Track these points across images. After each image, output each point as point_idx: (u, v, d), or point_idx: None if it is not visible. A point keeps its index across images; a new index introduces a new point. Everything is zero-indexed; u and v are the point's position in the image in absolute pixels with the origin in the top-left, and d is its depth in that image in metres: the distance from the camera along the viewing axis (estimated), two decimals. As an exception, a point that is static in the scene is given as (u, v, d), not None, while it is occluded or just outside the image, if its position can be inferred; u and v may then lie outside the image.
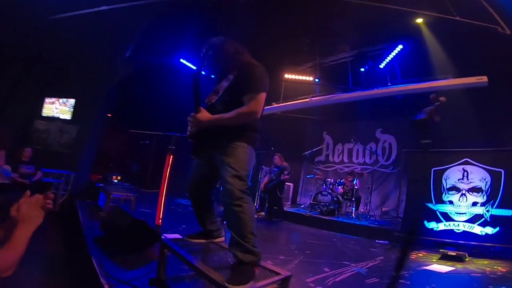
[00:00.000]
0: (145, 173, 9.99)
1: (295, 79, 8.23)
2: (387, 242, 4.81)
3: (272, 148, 9.01)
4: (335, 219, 6.14)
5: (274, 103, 8.30)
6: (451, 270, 3.29)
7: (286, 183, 7.52)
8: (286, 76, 8.24)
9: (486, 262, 3.68)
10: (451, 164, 4.56)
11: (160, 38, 7.07)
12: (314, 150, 8.36)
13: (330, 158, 8.91)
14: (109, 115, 8.83)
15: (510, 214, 3.99)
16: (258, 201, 8.02)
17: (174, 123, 8.43)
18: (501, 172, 4.15)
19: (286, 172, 6.84)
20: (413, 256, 4.00)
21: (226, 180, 1.76)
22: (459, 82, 4.91)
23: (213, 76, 2.27)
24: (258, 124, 1.99)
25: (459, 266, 3.49)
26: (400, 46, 5.98)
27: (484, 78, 4.64)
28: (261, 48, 7.05)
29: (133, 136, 10.33)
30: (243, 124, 1.91)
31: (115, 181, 9.20)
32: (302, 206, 7.72)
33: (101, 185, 6.52)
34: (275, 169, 7.03)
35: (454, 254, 3.80)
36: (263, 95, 1.90)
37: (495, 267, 3.47)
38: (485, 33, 4.38)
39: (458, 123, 4.82)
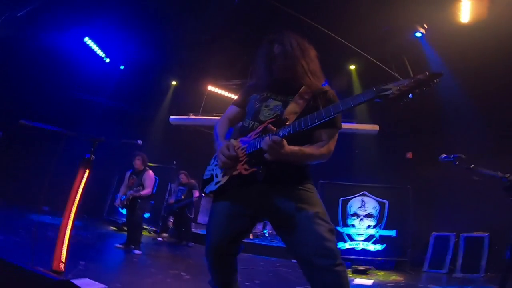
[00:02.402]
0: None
1: (218, 93, 8.02)
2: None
3: (175, 162, 8.34)
4: (251, 241, 6.26)
5: (191, 114, 7.81)
6: (374, 283, 4.09)
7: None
8: (210, 87, 7.96)
9: (383, 273, 4.78)
10: (353, 195, 5.73)
11: (66, 4, 5.37)
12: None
13: (235, 179, 9.10)
14: None
15: (391, 234, 5.42)
16: (160, 221, 7.16)
17: (67, 119, 6.42)
18: (385, 202, 5.60)
19: (195, 191, 6.46)
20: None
21: (323, 236, 1.35)
22: (358, 127, 6.34)
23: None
24: None
25: (373, 278, 4.37)
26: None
27: (376, 127, 6.22)
28: (191, 46, 6.67)
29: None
30: (307, 166, 1.57)
31: None
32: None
33: None
34: (182, 188, 6.46)
35: (363, 268, 4.73)
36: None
37: (392, 277, 4.57)
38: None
39: (360, 163, 6.22)
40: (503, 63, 4.85)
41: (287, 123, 1.43)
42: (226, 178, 1.52)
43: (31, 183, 6.89)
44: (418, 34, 5.44)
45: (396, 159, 6.72)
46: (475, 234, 4.73)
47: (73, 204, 2.71)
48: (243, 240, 1.60)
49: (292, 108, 1.51)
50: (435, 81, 1.17)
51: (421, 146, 6.35)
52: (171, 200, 6.67)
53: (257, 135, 1.49)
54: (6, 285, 1.60)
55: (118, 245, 4.66)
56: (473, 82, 5.41)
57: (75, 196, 2.73)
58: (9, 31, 5.22)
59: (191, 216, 6.45)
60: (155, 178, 5.42)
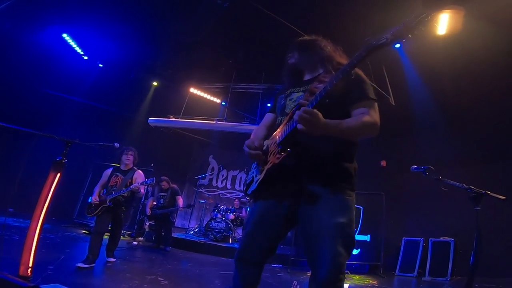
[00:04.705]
0: None
1: (201, 96, 7.96)
2: (281, 265, 5.48)
3: (152, 165, 8.18)
4: (230, 245, 6.24)
5: (172, 117, 7.69)
6: (349, 286, 4.22)
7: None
8: (192, 90, 7.87)
9: (358, 277, 4.94)
10: (330, 200, 5.89)
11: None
12: (207, 175, 8.28)
13: (214, 183, 9.05)
14: None
15: (365, 239, 5.63)
16: (135, 224, 6.95)
17: (38, 118, 6.08)
18: (361, 208, 5.81)
19: (179, 198, 6.37)
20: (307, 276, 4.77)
21: (336, 249, 1.31)
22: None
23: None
24: None
25: (348, 282, 4.50)
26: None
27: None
28: (175, 47, 6.59)
29: None
30: (352, 163, 1.51)
31: None
32: (192, 232, 7.31)
33: None
34: (164, 194, 6.32)
35: (338, 272, 4.85)
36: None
37: (367, 280, 4.74)
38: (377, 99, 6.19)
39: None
40: (473, 75, 5.15)
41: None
42: (263, 174, 1.53)
43: (-4, 183, 6.46)
44: (398, 45, 5.60)
45: (372, 167, 7.02)
46: (442, 239, 5.04)
47: (42, 208, 2.60)
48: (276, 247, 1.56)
49: (312, 91, 1.46)
50: (426, 19, 1.21)
51: (394, 154, 6.69)
52: (150, 204, 6.51)
53: (284, 125, 1.49)
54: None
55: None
56: (445, 94, 5.68)
57: (45, 200, 2.62)
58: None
59: (173, 221, 6.35)
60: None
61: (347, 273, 4.98)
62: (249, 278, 1.51)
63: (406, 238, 5.58)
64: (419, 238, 5.35)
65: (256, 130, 1.77)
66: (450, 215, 5.17)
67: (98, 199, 4.01)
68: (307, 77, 1.70)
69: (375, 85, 6.17)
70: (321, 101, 1.32)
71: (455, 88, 5.51)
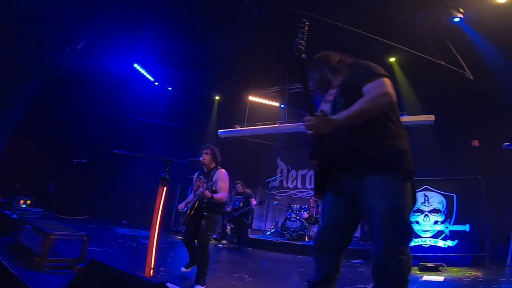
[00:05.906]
0: (67, 196, 8.15)
1: (260, 102, 8.29)
2: (361, 261, 5.23)
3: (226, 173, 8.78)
4: (306, 243, 6.26)
5: (237, 126, 8.18)
6: (445, 279, 3.79)
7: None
8: (251, 98, 8.24)
9: (457, 270, 4.37)
10: (414, 190, 5.36)
11: (114, 34, 6.14)
12: (278, 177, 8.52)
13: (284, 184, 9.20)
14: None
15: (464, 229, 4.94)
16: (219, 229, 7.52)
17: (130, 142, 7.31)
18: (453, 196, 5.14)
19: (252, 200, 6.74)
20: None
21: (385, 232, 1.41)
22: (410, 119, 5.98)
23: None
24: (407, 142, 1.58)
25: (444, 275, 4.03)
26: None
27: (432, 117, 5.83)
28: (229, 62, 7.04)
29: (59, 149, 8.32)
30: (385, 145, 1.52)
31: (24, 206, 7.13)
32: (269, 233, 7.59)
33: (15, 216, 5.18)
34: (239, 197, 6.78)
35: (432, 265, 4.39)
36: (387, 79, 1.54)
37: (469, 272, 4.16)
38: (449, 77, 5.66)
39: (418, 156, 5.88)
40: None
41: None
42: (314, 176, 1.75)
43: (109, 200, 7.88)
44: (457, 19, 5.28)
45: (460, 148, 6.17)
46: None
47: (158, 217, 3.05)
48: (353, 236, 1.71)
49: (328, 98, 1.83)
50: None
51: (487, 132, 5.76)
52: (229, 208, 7.01)
53: None
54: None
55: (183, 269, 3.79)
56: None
57: (159, 210, 3.09)
58: (72, 65, 6.14)
59: (248, 223, 6.73)
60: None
61: (443, 266, 4.45)
62: (327, 265, 1.63)
63: (517, 225, 4.69)
64: (536, 224, 4.44)
65: None
66: None
67: (182, 207, 3.66)
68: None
69: (443, 63, 5.58)
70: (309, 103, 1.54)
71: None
